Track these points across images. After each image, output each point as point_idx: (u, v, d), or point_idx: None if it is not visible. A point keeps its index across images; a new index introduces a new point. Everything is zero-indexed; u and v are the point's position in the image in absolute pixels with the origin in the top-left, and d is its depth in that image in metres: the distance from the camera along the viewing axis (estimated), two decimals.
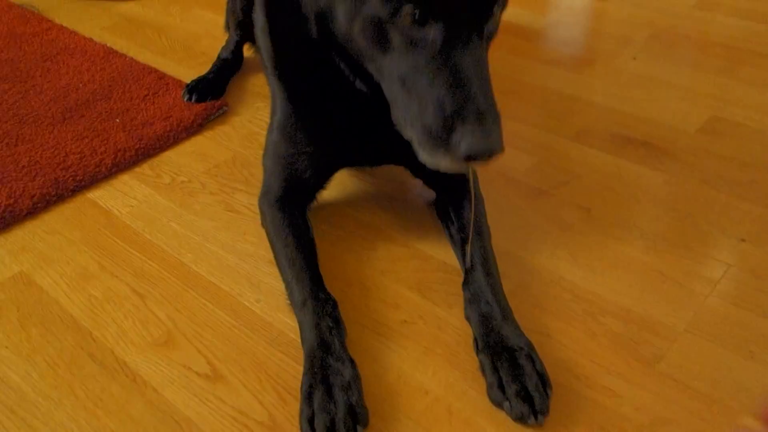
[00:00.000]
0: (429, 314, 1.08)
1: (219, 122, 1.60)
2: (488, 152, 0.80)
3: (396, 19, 0.82)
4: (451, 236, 1.19)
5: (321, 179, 1.22)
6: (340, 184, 1.35)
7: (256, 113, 1.63)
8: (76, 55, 1.85)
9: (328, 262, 1.18)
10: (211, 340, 1.04)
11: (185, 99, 1.62)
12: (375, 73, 0.93)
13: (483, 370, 0.96)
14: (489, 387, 0.94)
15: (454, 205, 1.19)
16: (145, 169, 1.44)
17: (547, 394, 0.91)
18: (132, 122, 1.54)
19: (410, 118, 0.87)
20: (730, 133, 1.53)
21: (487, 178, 1.36)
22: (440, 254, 1.20)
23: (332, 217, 1.29)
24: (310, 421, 0.87)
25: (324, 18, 0.97)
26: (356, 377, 0.93)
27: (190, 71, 1.82)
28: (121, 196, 1.36)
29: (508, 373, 0.92)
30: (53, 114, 1.58)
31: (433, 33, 0.82)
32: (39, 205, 1.30)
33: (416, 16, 0.81)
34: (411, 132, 0.88)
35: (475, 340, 1.00)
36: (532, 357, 0.94)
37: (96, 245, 1.23)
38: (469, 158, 0.81)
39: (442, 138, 0.81)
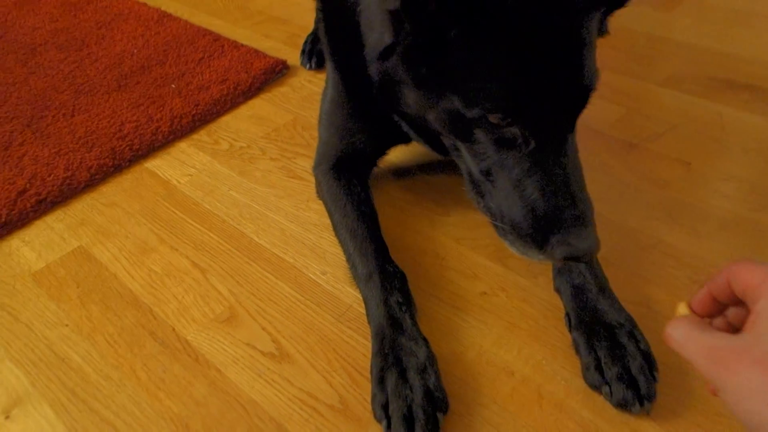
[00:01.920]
0: (512, 285, 0.98)
1: (277, 84, 1.52)
2: (586, 255, 0.75)
3: (482, 119, 0.75)
4: None
5: (377, 150, 1.13)
6: (413, 147, 1.24)
7: (315, 73, 1.54)
8: (130, 20, 1.80)
9: (397, 230, 1.09)
10: (276, 316, 0.97)
11: (306, 67, 1.54)
12: (449, 147, 0.87)
13: (577, 349, 0.85)
14: (585, 368, 0.83)
15: None
16: (202, 135, 1.37)
17: (653, 377, 0.80)
18: (188, 87, 1.48)
19: (494, 208, 0.82)
20: None
21: None
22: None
23: (400, 180, 1.19)
24: (385, 408, 0.79)
25: (389, 86, 0.86)
26: (432, 358, 0.84)
27: (245, 32, 1.74)
28: (179, 165, 1.30)
29: (607, 353, 0.81)
30: (108, 82, 1.53)
31: (522, 134, 0.75)
32: (96, 176, 1.26)
33: (505, 120, 0.74)
34: (495, 224, 0.83)
35: (567, 315, 0.89)
36: (634, 334, 0.83)
37: (155, 217, 1.18)
38: (566, 260, 0.77)
39: (537, 241, 0.77)
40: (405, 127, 0.96)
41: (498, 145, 0.77)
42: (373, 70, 0.89)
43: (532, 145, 0.76)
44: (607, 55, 1.49)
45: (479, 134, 0.78)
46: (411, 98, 0.83)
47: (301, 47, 1.60)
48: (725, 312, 0.61)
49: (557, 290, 0.93)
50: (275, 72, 1.51)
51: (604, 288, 0.89)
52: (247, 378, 0.89)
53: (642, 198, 1.10)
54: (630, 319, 0.85)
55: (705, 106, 1.29)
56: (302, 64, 1.57)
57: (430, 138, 0.93)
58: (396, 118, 0.95)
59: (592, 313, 0.86)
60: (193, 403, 0.87)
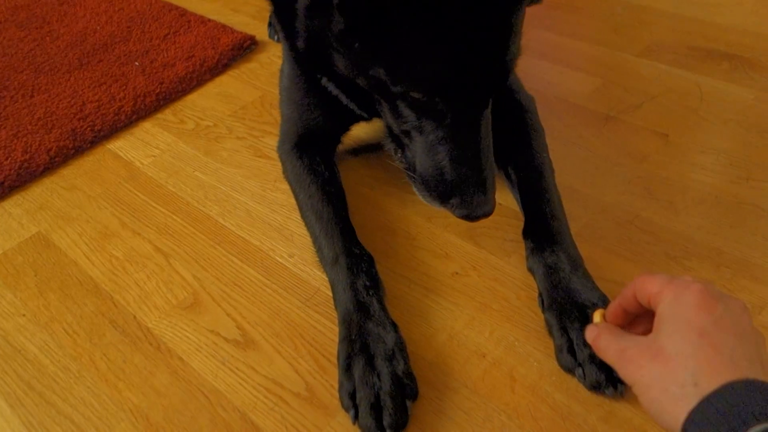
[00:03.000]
0: (484, 264, 0.95)
1: (245, 60, 1.47)
2: (480, 217, 0.84)
3: (404, 93, 0.80)
4: (507, 176, 1.02)
5: (338, 126, 1.09)
6: (378, 124, 1.20)
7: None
8: None
9: (366, 210, 1.05)
10: (241, 302, 0.93)
11: (274, 39, 1.51)
12: (376, 108, 0.90)
13: (550, 331, 0.83)
14: (558, 350, 0.81)
15: (509, 141, 1.03)
16: (167, 114, 1.33)
17: None
18: (152, 65, 1.42)
19: (408, 162, 0.88)
20: None
21: (547, 105, 1.20)
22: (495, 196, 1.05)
23: (368, 159, 1.16)
24: (352, 396, 0.76)
25: (316, 45, 0.86)
26: (401, 343, 0.81)
27: (213, 6, 1.68)
28: (143, 146, 1.25)
29: (579, 335, 0.79)
30: (70, 60, 1.47)
31: (441, 108, 0.79)
32: (56, 159, 1.21)
33: (424, 98, 0.79)
34: (407, 171, 0.89)
35: (540, 295, 0.86)
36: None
37: (117, 200, 1.13)
38: (463, 219, 0.84)
39: (441, 197, 0.84)
40: (332, 88, 0.96)
41: (418, 113, 0.81)
42: (300, 24, 0.87)
43: (449, 118, 0.80)
44: (584, 24, 1.45)
45: (401, 103, 0.82)
46: (341, 63, 0.84)
47: (268, 20, 1.55)
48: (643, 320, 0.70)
49: (530, 270, 0.90)
50: (243, 48, 1.46)
51: (577, 267, 0.86)
52: (211, 366, 0.86)
53: (618, 172, 1.07)
54: (604, 299, 0.82)
55: (684, 76, 1.26)
56: (270, 36, 1.53)
57: (358, 99, 0.96)
58: (324, 81, 0.96)
59: (564, 293, 0.83)
60: (154, 393, 0.83)
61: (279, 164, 1.12)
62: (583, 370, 0.77)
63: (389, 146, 0.91)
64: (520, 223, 0.96)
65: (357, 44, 0.78)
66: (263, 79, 1.39)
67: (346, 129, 1.10)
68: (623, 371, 0.62)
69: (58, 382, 0.86)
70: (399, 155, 0.90)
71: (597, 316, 0.76)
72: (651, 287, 0.64)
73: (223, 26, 1.53)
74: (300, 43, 0.89)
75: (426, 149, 0.83)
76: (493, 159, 0.85)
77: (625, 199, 1.02)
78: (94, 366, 0.87)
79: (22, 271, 1.02)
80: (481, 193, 0.82)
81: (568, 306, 0.82)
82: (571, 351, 0.79)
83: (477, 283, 0.92)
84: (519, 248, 0.95)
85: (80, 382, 0.86)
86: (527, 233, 0.92)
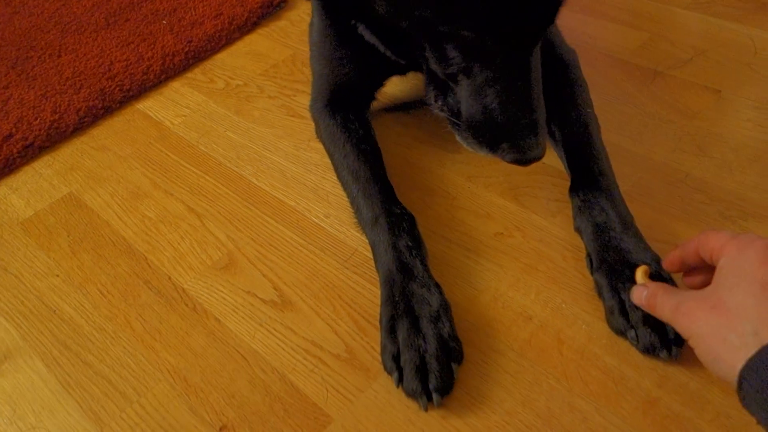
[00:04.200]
0: (528, 225, 0.91)
1: (274, 18, 1.43)
2: (531, 162, 0.81)
3: (452, 32, 0.75)
4: (551, 133, 0.97)
5: (372, 81, 1.05)
6: (415, 79, 1.16)
7: None
8: None
9: (404, 169, 1.02)
10: (277, 263, 0.91)
11: None
12: (416, 52, 0.84)
13: (600, 292, 0.79)
14: (608, 312, 0.77)
15: (551, 97, 0.98)
16: (196, 74, 1.30)
17: None
18: (180, 23, 1.39)
19: (453, 106, 0.83)
20: None
21: (591, 60, 1.15)
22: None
23: (404, 118, 1.12)
24: (396, 359, 0.74)
25: None
26: (446, 305, 0.78)
27: None
28: (173, 105, 1.22)
29: None
30: (96, 20, 1.44)
31: (490, 45, 0.75)
32: (86, 119, 1.19)
33: (473, 37, 0.74)
34: (452, 120, 0.84)
35: (589, 256, 0.83)
36: (661, 274, 0.76)
37: (148, 160, 1.11)
38: (514, 163, 0.82)
39: (490, 144, 0.81)
40: (368, 36, 0.92)
41: (465, 54, 0.77)
42: None
43: (498, 57, 0.76)
44: None
45: (448, 44, 0.77)
46: (382, 6, 0.80)
47: None
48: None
49: (577, 230, 0.87)
50: (272, 5, 1.42)
51: (628, 226, 0.82)
52: (248, 327, 0.84)
53: (668, 129, 1.02)
54: (657, 259, 0.78)
55: (735, 29, 1.19)
56: None
57: (396, 46, 0.91)
58: (360, 28, 0.91)
59: (615, 253, 0.80)
60: (191, 354, 0.82)
61: (312, 124, 1.09)
62: (636, 333, 0.74)
63: (430, 93, 0.87)
64: (564, 183, 0.92)
65: None
66: (294, 38, 1.35)
67: (380, 84, 1.06)
68: (680, 324, 0.63)
69: (93, 343, 0.85)
70: (441, 102, 0.85)
71: (640, 273, 0.75)
72: (714, 242, 0.65)
73: None
74: None
75: (474, 92, 0.79)
76: (542, 101, 0.81)
77: (676, 157, 0.97)
78: (130, 326, 0.86)
79: (54, 232, 1.01)
80: (532, 136, 0.78)
81: (619, 266, 0.78)
82: (623, 313, 0.76)
83: (521, 243, 0.89)
84: (564, 208, 0.91)
85: (116, 343, 0.84)
86: (574, 191, 0.88)
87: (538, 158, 0.80)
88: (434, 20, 0.74)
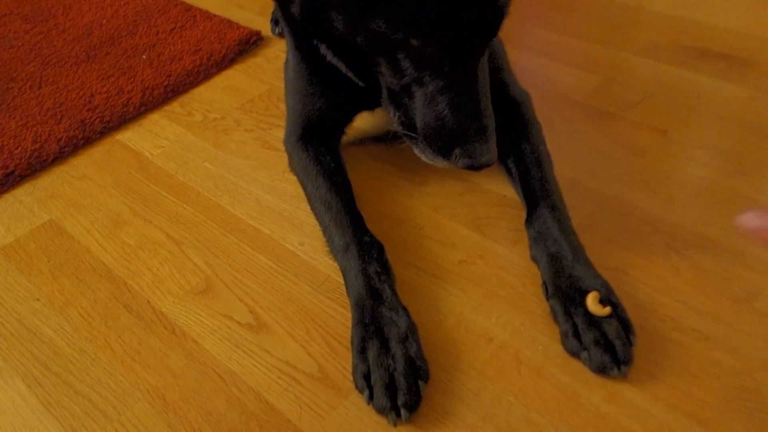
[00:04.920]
0: (489, 253, 0.98)
1: (251, 54, 1.49)
2: (484, 166, 0.86)
3: (404, 42, 0.82)
4: (508, 170, 1.05)
5: (342, 116, 1.12)
6: (383, 116, 1.23)
7: None
8: None
9: (374, 200, 1.08)
10: (253, 287, 0.96)
11: (274, 32, 1.55)
12: (374, 69, 0.92)
13: (555, 317, 0.86)
14: (563, 335, 0.84)
15: (508, 135, 1.06)
16: (175, 107, 1.35)
17: (630, 341, 0.81)
18: (159, 58, 1.44)
19: (407, 120, 0.90)
20: None
21: (547, 100, 1.23)
22: (498, 188, 1.08)
23: (375, 151, 1.18)
24: (366, 378, 0.79)
25: (312, 10, 0.89)
26: (413, 327, 0.84)
27: (218, 2, 1.70)
28: (152, 137, 1.27)
29: (584, 319, 0.82)
30: (77, 53, 1.48)
31: (440, 54, 0.82)
32: (66, 149, 1.23)
33: (423, 45, 0.81)
34: (407, 131, 0.91)
35: (544, 283, 0.89)
36: (610, 299, 0.83)
37: (127, 189, 1.15)
38: (467, 169, 0.87)
39: (443, 151, 0.87)
40: (330, 57, 0.98)
41: (417, 64, 0.84)
42: None
43: (447, 65, 0.83)
44: (583, 23, 1.48)
45: (401, 54, 0.84)
46: (339, 22, 0.86)
47: (270, 15, 1.58)
48: None
49: (534, 259, 0.93)
50: (249, 43, 1.48)
51: (579, 255, 0.89)
52: (225, 349, 0.88)
53: (619, 166, 1.10)
54: (606, 285, 0.85)
55: (680, 75, 1.29)
56: (272, 31, 1.56)
57: (357, 66, 0.97)
58: (323, 50, 0.97)
59: (568, 281, 0.87)
60: (170, 374, 0.86)
61: (286, 156, 1.15)
62: (589, 353, 0.80)
63: (390, 110, 0.93)
64: (523, 214, 0.99)
65: None
66: (269, 74, 1.42)
67: (350, 120, 1.13)
68: None
69: (74, 364, 0.88)
70: (398, 117, 0.92)
71: (590, 299, 0.82)
72: None
73: (229, 21, 1.56)
74: (294, 9, 0.91)
75: (426, 101, 0.85)
76: (491, 109, 0.87)
77: (625, 191, 1.05)
78: (110, 348, 0.90)
79: (35, 257, 1.04)
80: (483, 141, 0.84)
81: (571, 292, 0.85)
82: (576, 335, 0.82)
83: (483, 270, 0.95)
84: (523, 238, 0.98)
85: (96, 364, 0.88)
86: (530, 223, 0.95)
87: (490, 163, 0.86)
88: (386, 31, 0.80)
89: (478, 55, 0.85)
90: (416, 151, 0.92)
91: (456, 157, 0.86)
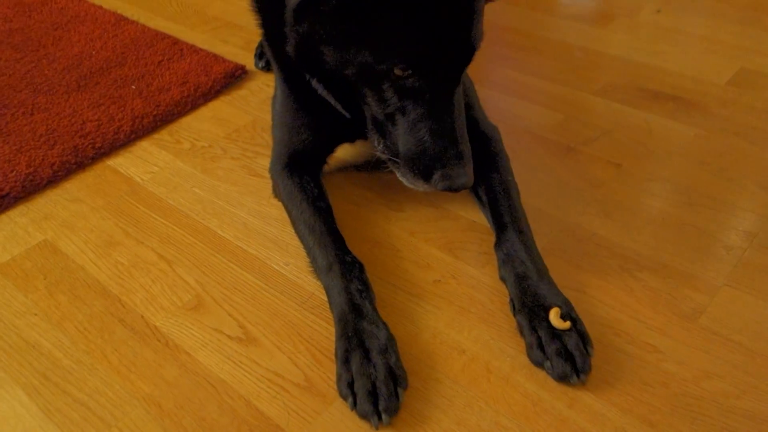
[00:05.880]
0: (461, 274, 1.06)
1: (236, 87, 1.57)
2: (462, 188, 0.95)
3: (388, 72, 0.91)
4: (478, 197, 1.15)
5: (326, 148, 1.21)
6: (362, 147, 1.31)
7: (272, 77, 1.57)
8: (86, 22, 1.82)
9: (354, 224, 1.16)
10: (242, 304, 1.02)
11: (258, 66, 1.63)
12: (360, 102, 1.01)
13: (521, 331, 0.94)
14: (528, 347, 0.92)
15: (479, 166, 1.15)
16: (163, 135, 1.42)
17: (588, 353, 0.89)
18: (148, 88, 1.51)
19: (390, 146, 0.99)
20: (761, 84, 1.49)
21: (514, 135, 1.33)
22: (469, 214, 1.17)
23: (354, 180, 1.27)
24: (350, 386, 0.86)
25: (305, 47, 0.97)
26: (392, 339, 0.91)
27: (203, 36, 1.78)
28: (142, 163, 1.34)
29: (547, 333, 0.90)
30: (67, 82, 1.55)
31: (420, 83, 0.91)
32: (59, 173, 1.29)
33: (406, 71, 0.90)
34: (390, 157, 0.99)
35: (512, 300, 0.98)
36: (570, 315, 0.92)
37: (119, 212, 1.21)
38: (446, 191, 0.96)
39: (424, 174, 0.95)
40: (321, 90, 1.05)
41: (400, 93, 0.93)
42: (292, 34, 0.97)
43: (427, 94, 0.92)
44: (546, 65, 1.60)
45: (386, 84, 0.93)
46: (329, 56, 0.94)
47: (255, 50, 1.67)
48: None
49: (502, 279, 1.02)
50: (234, 76, 1.57)
51: (543, 275, 0.98)
52: (216, 360, 0.94)
53: (578, 195, 1.20)
54: (567, 302, 0.94)
55: (634, 114, 1.41)
56: (255, 65, 1.64)
57: (345, 99, 1.05)
58: (314, 84, 1.05)
59: (533, 298, 0.95)
60: (165, 384, 0.91)
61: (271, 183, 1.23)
62: (551, 363, 0.89)
63: (374, 138, 1.02)
64: (491, 239, 1.08)
65: (345, 26, 0.89)
66: (254, 105, 1.50)
67: (332, 150, 1.21)
68: None
69: (72, 374, 0.93)
70: (382, 145, 1.00)
71: (552, 314, 0.91)
72: None
73: (215, 55, 1.64)
74: (289, 48, 0.99)
75: (408, 128, 0.94)
76: (467, 136, 0.96)
77: (585, 219, 1.15)
78: (107, 360, 0.95)
79: (31, 275, 1.09)
80: (460, 165, 0.93)
81: (536, 309, 0.94)
82: (540, 347, 0.91)
83: (456, 289, 1.04)
84: (492, 260, 1.06)
85: (94, 374, 0.93)
86: (498, 246, 1.04)
87: (467, 186, 0.95)
88: (372, 63, 0.90)
89: (453, 85, 0.94)
90: (398, 175, 1.00)
91: (436, 180, 0.94)
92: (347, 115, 1.07)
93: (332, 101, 1.06)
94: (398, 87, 0.92)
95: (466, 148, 0.96)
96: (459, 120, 0.95)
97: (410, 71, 0.90)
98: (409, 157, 0.96)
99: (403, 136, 0.95)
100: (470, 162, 0.95)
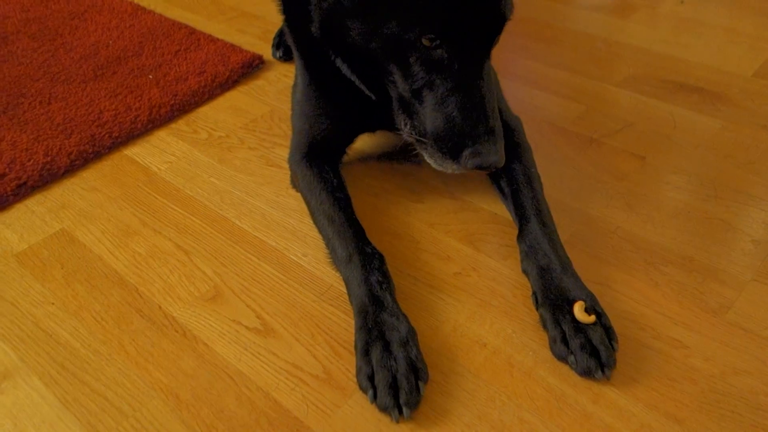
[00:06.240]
0: (483, 266, 1.04)
1: (253, 77, 1.56)
2: (493, 166, 0.91)
3: (417, 41, 0.87)
4: (500, 189, 1.13)
5: (345, 138, 1.19)
6: (383, 137, 1.30)
7: (290, 67, 1.58)
8: (103, 12, 1.81)
9: (373, 216, 1.14)
10: (260, 295, 1.01)
11: (275, 56, 1.62)
12: (385, 80, 0.98)
13: (544, 324, 0.92)
14: (552, 341, 0.90)
15: None
16: (181, 125, 1.41)
17: (613, 347, 0.87)
18: (165, 78, 1.50)
19: (418, 126, 0.95)
20: None
21: (535, 127, 1.31)
22: (489, 205, 1.15)
23: (373, 171, 1.25)
24: (370, 378, 0.85)
25: (329, 22, 0.95)
26: (413, 332, 0.90)
27: (220, 26, 1.77)
28: (159, 153, 1.33)
29: (571, 327, 0.89)
30: (84, 71, 1.54)
31: (449, 55, 0.88)
32: (77, 162, 1.28)
33: (435, 41, 0.87)
34: (417, 137, 0.96)
35: (534, 293, 0.96)
36: (595, 308, 0.90)
37: (136, 202, 1.21)
38: (476, 169, 0.92)
39: (453, 153, 0.91)
40: (346, 71, 1.03)
41: (428, 66, 0.90)
42: (316, 11, 0.96)
43: (456, 66, 0.88)
44: (567, 56, 1.58)
45: (413, 57, 0.89)
46: (355, 30, 0.92)
47: (272, 40, 1.66)
48: None
49: (525, 272, 1.00)
50: (252, 66, 1.55)
51: (567, 268, 0.96)
52: (234, 351, 0.93)
53: (601, 188, 1.18)
54: (591, 296, 0.92)
55: (658, 106, 1.39)
56: (273, 55, 1.63)
57: (369, 79, 1.02)
58: (339, 63, 1.03)
59: (557, 291, 0.93)
60: (182, 374, 0.90)
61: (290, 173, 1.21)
62: (575, 358, 0.87)
63: (399, 119, 0.99)
64: (512, 231, 1.06)
65: None
66: (271, 95, 1.48)
67: (351, 140, 1.20)
68: None
69: (90, 364, 0.93)
70: (409, 126, 0.97)
71: (577, 308, 0.89)
72: None
73: (232, 45, 1.62)
74: (314, 27, 0.97)
75: (436, 104, 0.91)
76: (498, 113, 0.92)
77: (608, 212, 1.13)
78: (124, 350, 0.94)
79: (48, 264, 1.08)
80: (491, 142, 0.89)
81: (560, 302, 0.92)
82: (564, 341, 0.89)
83: (477, 282, 1.02)
84: (513, 253, 1.05)
85: (111, 364, 0.92)
86: (521, 238, 1.02)
87: (498, 165, 0.90)
88: (399, 32, 0.87)
89: (483, 57, 0.91)
90: (426, 157, 0.97)
91: (465, 158, 0.90)
92: (372, 96, 1.04)
93: (356, 81, 1.03)
94: (426, 59, 0.89)
95: (498, 125, 0.91)
96: (489, 95, 0.91)
97: (438, 41, 0.87)
98: (438, 135, 0.92)
99: (431, 113, 0.92)
100: (502, 140, 0.91)
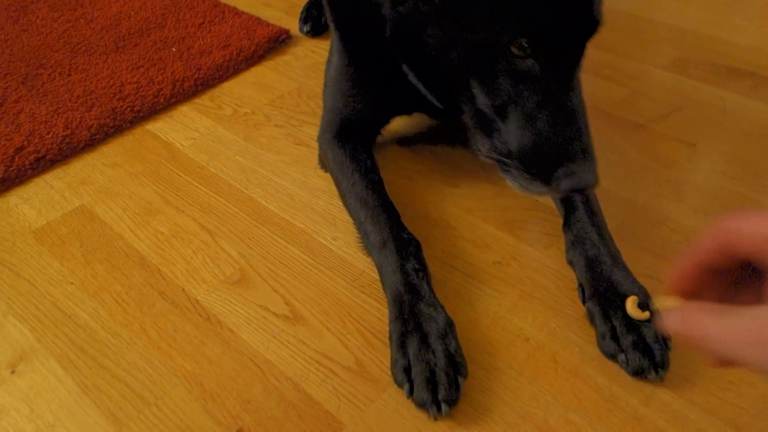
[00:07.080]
0: (523, 255, 0.98)
1: (280, 52, 1.50)
2: (588, 187, 0.81)
3: (505, 49, 0.78)
4: None
5: (381, 117, 1.13)
6: (417, 118, 1.23)
7: (318, 43, 1.52)
8: None
9: (407, 200, 1.08)
10: (288, 280, 0.96)
11: (303, 30, 1.56)
12: (460, 94, 0.88)
13: (592, 319, 0.86)
14: (600, 337, 0.84)
15: None
16: (205, 100, 1.35)
17: (668, 346, 0.81)
18: (189, 51, 1.45)
19: (500, 146, 0.85)
20: None
21: None
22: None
23: (406, 153, 1.19)
24: (407, 372, 0.79)
25: (405, 28, 0.87)
26: (451, 324, 0.84)
27: None
28: (182, 128, 1.27)
29: (622, 323, 0.83)
30: (106, 43, 1.49)
31: (539, 64, 0.79)
32: (97, 136, 1.23)
33: (526, 48, 0.78)
34: (503, 160, 0.85)
35: (581, 286, 0.90)
36: (648, 304, 0.84)
37: (159, 179, 1.15)
38: (570, 192, 0.82)
39: (543, 174, 0.81)
40: (412, 78, 0.96)
41: (515, 78, 0.80)
42: (391, 15, 0.88)
43: (547, 77, 0.79)
44: (611, 38, 1.50)
45: (499, 67, 0.80)
46: (434, 37, 0.84)
47: (300, 14, 1.59)
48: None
49: (570, 263, 0.94)
50: (279, 40, 1.49)
51: (617, 260, 0.90)
52: (261, 339, 0.88)
53: (649, 176, 1.11)
54: (644, 291, 0.86)
55: (707, 90, 1.31)
56: (300, 29, 1.57)
57: (437, 87, 0.95)
58: (405, 69, 0.95)
59: (606, 284, 0.87)
60: (207, 361, 0.86)
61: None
62: (626, 356, 0.81)
63: (477, 140, 0.89)
64: (554, 219, 1.00)
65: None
66: (299, 71, 1.42)
67: (387, 121, 1.14)
68: (755, 357, 0.39)
69: (110, 347, 0.88)
70: (488, 146, 0.87)
71: (629, 303, 0.82)
72: (759, 228, 0.43)
73: (258, 19, 1.56)
74: (387, 31, 0.90)
75: (524, 120, 0.81)
76: (590, 129, 0.82)
77: (657, 201, 1.06)
78: (145, 334, 0.89)
79: (67, 242, 1.04)
80: (587, 160, 0.80)
81: (610, 296, 0.86)
82: (614, 338, 0.83)
83: (517, 272, 0.96)
84: (555, 242, 0.99)
85: (132, 348, 0.88)
86: (567, 227, 0.96)
87: (594, 186, 0.81)
88: (487, 39, 0.78)
89: (575, 65, 0.82)
90: (509, 180, 0.87)
91: (558, 179, 0.80)
92: (439, 105, 0.97)
93: (423, 90, 0.96)
94: (513, 70, 0.79)
95: (591, 142, 0.81)
96: (581, 109, 0.82)
97: (529, 49, 0.77)
98: (525, 156, 0.82)
99: (517, 131, 0.82)
100: (596, 159, 0.81)
